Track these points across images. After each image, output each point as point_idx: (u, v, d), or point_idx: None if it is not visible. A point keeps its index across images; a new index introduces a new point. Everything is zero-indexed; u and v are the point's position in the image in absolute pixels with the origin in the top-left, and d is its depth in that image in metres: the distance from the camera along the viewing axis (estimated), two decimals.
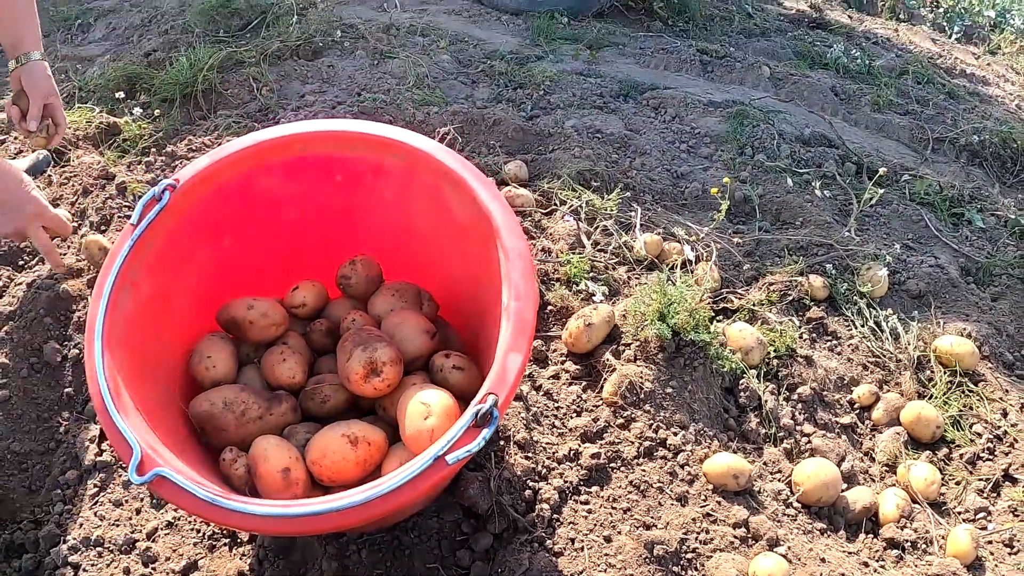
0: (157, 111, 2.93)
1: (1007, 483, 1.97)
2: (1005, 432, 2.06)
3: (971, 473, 1.97)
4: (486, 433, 1.05)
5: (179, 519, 1.64)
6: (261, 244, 1.72)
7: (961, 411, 2.08)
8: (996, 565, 1.79)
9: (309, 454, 1.41)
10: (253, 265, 1.72)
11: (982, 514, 1.89)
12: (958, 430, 2.04)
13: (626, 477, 1.61)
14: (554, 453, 1.63)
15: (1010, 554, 1.85)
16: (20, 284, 2.11)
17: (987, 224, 2.85)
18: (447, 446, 1.06)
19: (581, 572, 1.45)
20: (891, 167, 2.98)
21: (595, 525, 1.53)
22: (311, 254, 1.77)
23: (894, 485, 1.88)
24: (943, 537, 1.78)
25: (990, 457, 2.01)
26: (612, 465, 1.63)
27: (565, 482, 1.59)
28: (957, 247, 2.69)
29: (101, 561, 1.59)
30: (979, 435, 2.04)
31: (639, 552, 1.49)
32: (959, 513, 1.87)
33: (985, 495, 1.93)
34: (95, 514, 1.67)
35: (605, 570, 1.46)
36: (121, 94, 3.00)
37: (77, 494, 1.73)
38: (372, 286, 1.73)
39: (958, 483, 1.94)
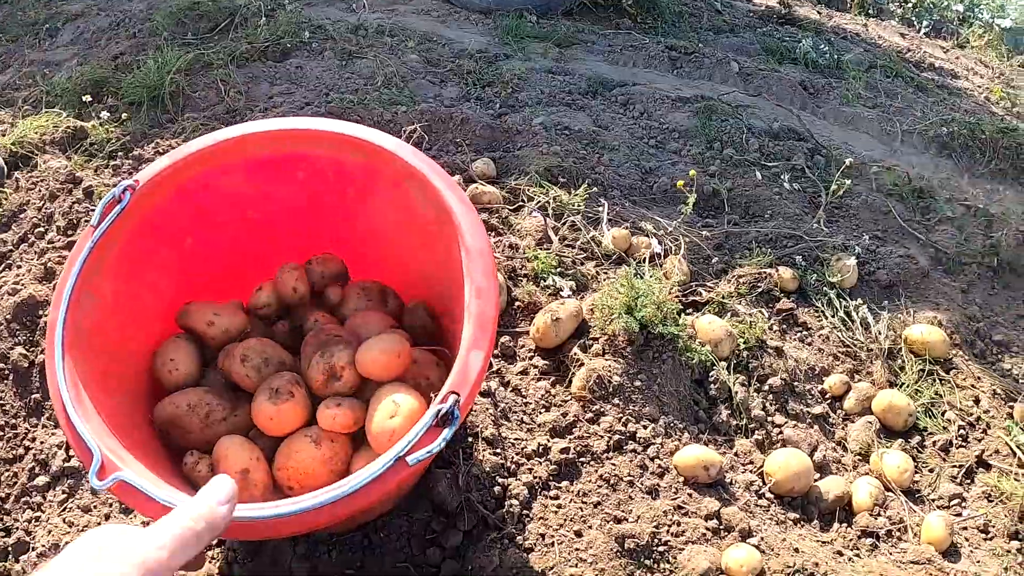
0: (124, 115, 2.90)
1: (981, 469, 1.97)
2: (978, 419, 2.07)
3: (944, 460, 1.97)
4: (447, 433, 1.03)
5: (149, 524, 1.59)
6: (224, 243, 1.69)
7: (933, 399, 2.08)
8: (972, 551, 1.79)
9: (276, 459, 1.39)
10: (217, 265, 1.69)
11: (956, 500, 1.89)
12: (930, 418, 2.04)
13: (596, 471, 1.59)
14: (523, 448, 1.61)
15: (985, 539, 1.85)
16: None
17: (956, 214, 2.86)
18: (408, 446, 1.03)
19: (552, 568, 1.44)
20: (860, 159, 2.98)
21: (565, 520, 1.52)
22: (276, 253, 1.74)
23: (867, 474, 1.87)
24: (917, 525, 1.77)
25: (963, 444, 2.01)
26: (582, 460, 1.61)
27: (534, 477, 1.57)
28: (926, 237, 2.69)
29: None
30: (951, 422, 2.04)
31: (610, 546, 1.47)
32: (933, 500, 1.86)
33: (959, 481, 1.93)
34: (64, 520, 1.63)
35: (576, 565, 1.45)
36: (88, 97, 2.97)
37: (46, 500, 1.69)
38: (335, 284, 1.71)
39: (931, 470, 1.93)
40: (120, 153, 2.72)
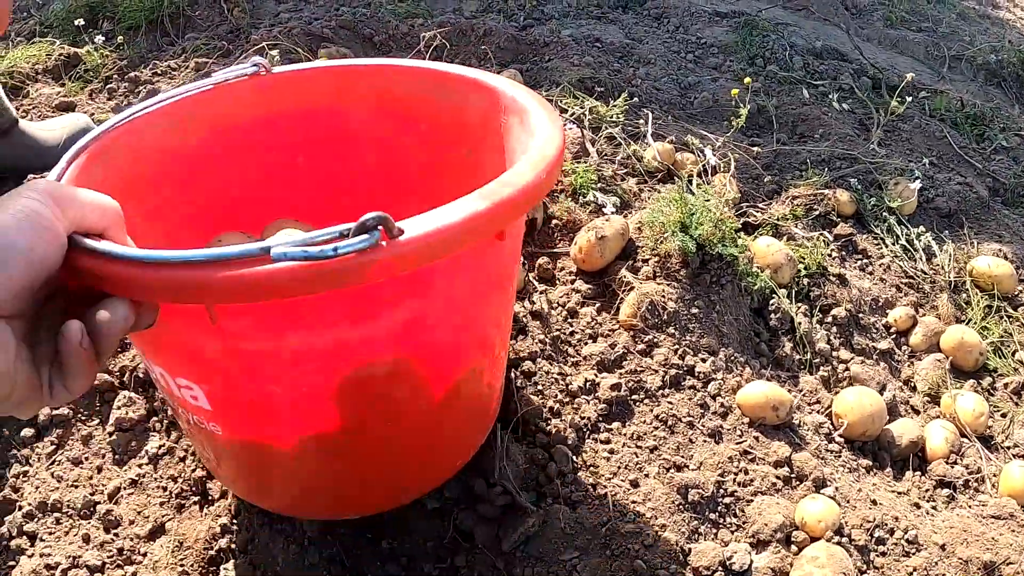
0: (121, 39, 2.71)
1: None
2: None
3: (1017, 405, 1.79)
4: (342, 245, 0.72)
5: (143, 476, 1.43)
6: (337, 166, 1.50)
7: (1002, 337, 1.89)
8: None
9: None
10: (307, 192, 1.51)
11: None
12: (1000, 358, 1.85)
13: (651, 411, 1.39)
14: (568, 385, 1.42)
15: None
16: None
17: (1011, 144, 2.67)
18: (290, 243, 0.75)
19: (605, 524, 1.24)
20: (908, 83, 2.78)
21: (620, 467, 1.32)
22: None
23: (939, 417, 1.69)
24: (995, 475, 1.60)
25: None
26: (634, 397, 1.41)
27: (582, 419, 1.37)
28: (983, 166, 2.50)
29: (59, 528, 1.39)
30: (1023, 363, 1.86)
31: (671, 498, 1.28)
32: (1007, 448, 1.68)
33: None
34: (52, 475, 1.46)
35: (634, 520, 1.25)
36: (81, 21, 2.77)
37: (34, 453, 1.50)
38: None
39: (1004, 415, 1.75)
40: (115, 77, 2.52)
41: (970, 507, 1.52)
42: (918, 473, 1.57)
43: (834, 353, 1.68)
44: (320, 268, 0.72)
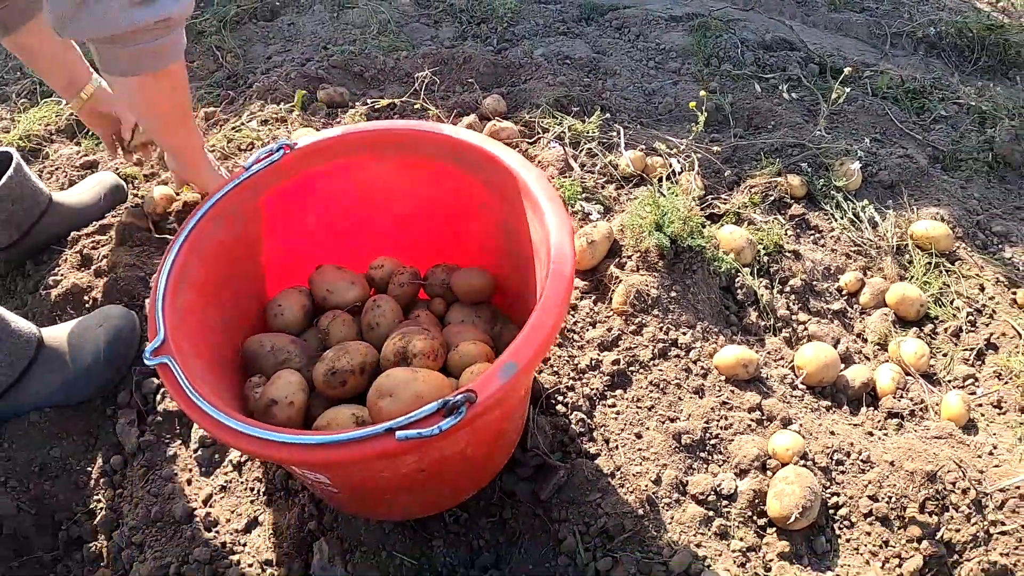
0: None
1: (990, 351, 2.11)
2: (984, 305, 2.20)
3: (956, 345, 2.11)
4: (444, 423, 1.10)
5: (231, 482, 1.69)
6: (366, 226, 1.82)
7: (941, 289, 2.21)
8: (988, 424, 1.94)
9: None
10: (349, 239, 1.83)
11: (970, 381, 2.03)
12: (940, 307, 2.17)
13: (646, 378, 1.72)
14: (576, 365, 1.74)
15: (999, 414, 1.99)
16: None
17: (949, 113, 2.95)
18: (405, 422, 1.11)
19: (619, 468, 1.57)
20: (853, 65, 3.07)
21: (625, 425, 1.65)
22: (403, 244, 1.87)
23: (887, 362, 2.01)
24: (937, 404, 1.92)
25: (972, 329, 2.15)
26: (631, 369, 1.74)
27: (591, 390, 1.70)
28: (923, 137, 2.80)
29: (164, 535, 1.63)
30: (960, 310, 2.17)
31: (668, 443, 1.61)
32: (949, 382, 2.00)
33: (971, 364, 2.07)
34: (148, 492, 1.69)
35: (640, 463, 1.59)
36: None
37: (126, 478, 1.75)
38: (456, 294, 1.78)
39: (945, 355, 2.07)
40: None
41: (916, 432, 1.84)
42: (871, 408, 1.89)
43: (793, 317, 2.01)
44: (429, 441, 1.11)
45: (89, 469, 1.78)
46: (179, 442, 1.78)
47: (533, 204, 1.47)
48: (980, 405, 2.01)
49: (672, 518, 1.53)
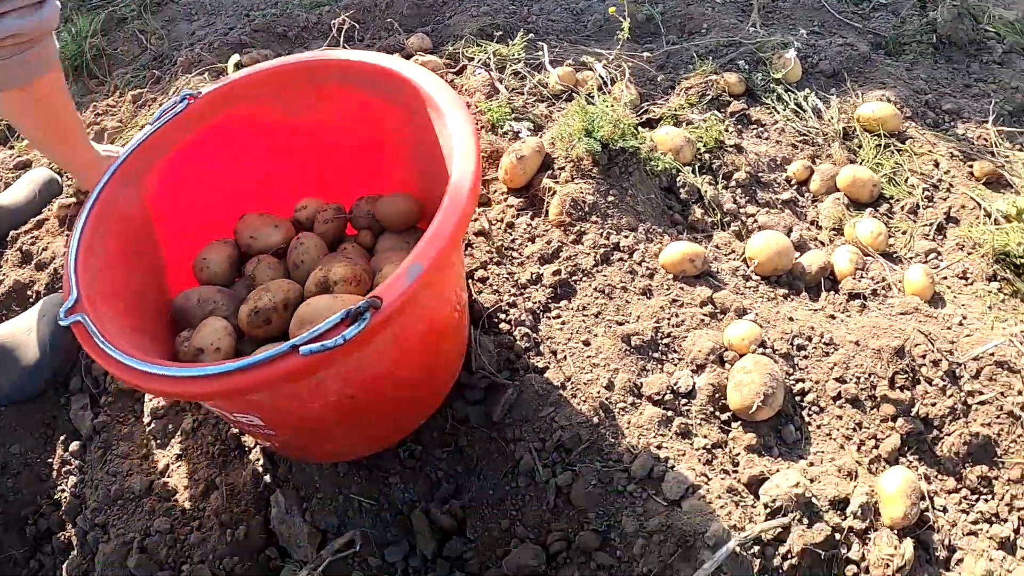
0: None
1: (950, 224, 2.05)
2: (940, 180, 2.13)
3: (915, 222, 2.04)
4: (348, 332, 1.04)
5: (186, 450, 1.65)
6: (286, 169, 1.74)
7: (894, 168, 2.14)
8: (955, 296, 1.87)
9: None
10: (275, 184, 1.76)
11: (932, 255, 1.96)
12: (895, 186, 2.10)
13: (590, 285, 1.64)
14: (517, 281, 1.66)
15: (966, 285, 1.93)
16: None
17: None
18: (308, 337, 1.05)
19: (569, 379, 1.50)
20: None
21: (572, 334, 1.57)
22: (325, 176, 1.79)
23: (844, 244, 1.94)
24: (900, 281, 1.85)
25: (930, 204, 2.08)
26: (574, 278, 1.66)
27: (534, 304, 1.62)
28: (863, 25, 2.73)
29: (125, 512, 1.60)
30: (915, 187, 2.10)
31: (618, 347, 1.53)
32: (911, 258, 1.93)
33: (931, 238, 2.01)
34: (107, 472, 1.67)
35: (590, 371, 1.51)
36: None
37: (86, 462, 1.72)
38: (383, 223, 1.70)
39: (904, 232, 2.00)
40: None
41: (880, 311, 1.77)
42: (831, 293, 1.82)
43: (741, 210, 1.93)
44: (335, 353, 1.05)
45: (50, 460, 1.74)
46: (133, 418, 1.73)
47: (438, 112, 1.39)
48: (945, 278, 1.94)
49: (629, 422, 1.45)
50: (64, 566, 1.58)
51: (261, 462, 1.58)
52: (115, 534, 1.56)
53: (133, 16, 3.19)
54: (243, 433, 1.63)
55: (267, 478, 1.55)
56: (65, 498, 1.68)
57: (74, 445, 1.73)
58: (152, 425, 1.70)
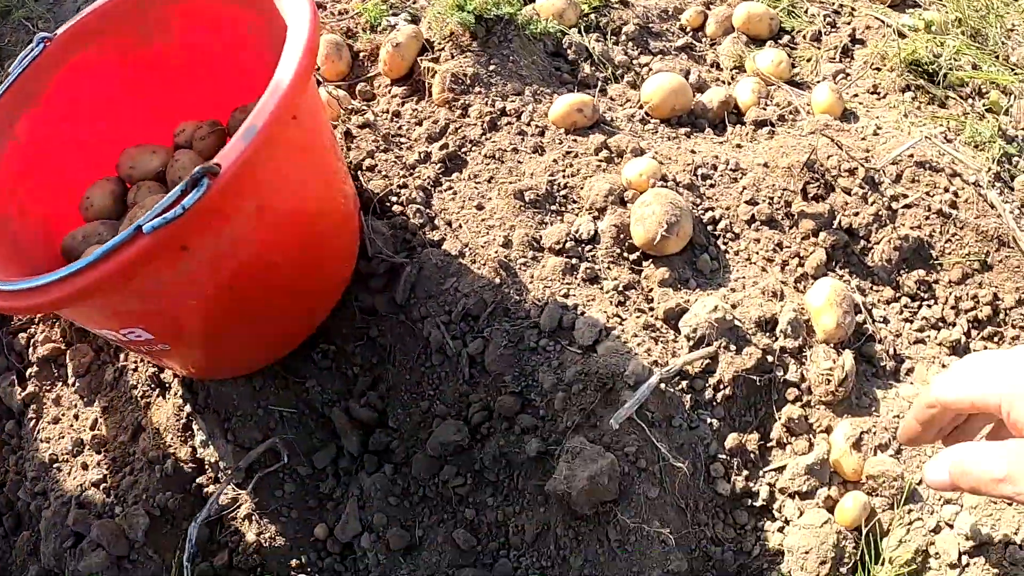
0: None
1: (857, 46, 1.99)
2: (841, 6, 2.07)
3: (819, 48, 1.98)
4: (186, 201, 0.97)
5: (111, 400, 1.61)
6: (161, 98, 1.66)
7: (792, 2, 2.07)
8: (868, 110, 1.82)
9: None
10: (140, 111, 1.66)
11: (840, 76, 1.91)
12: (794, 18, 2.04)
13: (480, 153, 1.57)
14: (405, 163, 1.60)
15: (878, 99, 1.88)
16: None
17: None
18: (151, 216, 0.98)
19: (466, 245, 1.43)
20: None
21: (465, 201, 1.51)
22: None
23: (745, 79, 1.88)
24: (808, 105, 1.79)
25: (833, 30, 2.02)
26: (463, 150, 1.59)
27: (425, 180, 1.56)
28: None
29: (61, 474, 1.56)
30: (816, 15, 2.04)
31: (512, 204, 1.47)
32: (818, 83, 1.87)
33: (838, 60, 1.95)
34: (41, 440, 1.62)
35: (487, 233, 1.45)
36: None
37: (23, 438, 1.67)
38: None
39: (809, 60, 1.94)
40: None
41: (790, 133, 1.72)
42: (737, 125, 1.76)
43: (634, 61, 1.86)
44: (182, 224, 0.98)
45: None
46: (60, 383, 1.68)
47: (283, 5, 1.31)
48: (856, 95, 1.89)
49: (533, 276, 1.39)
50: (16, 543, 1.54)
51: (180, 393, 1.53)
52: (54, 497, 1.52)
53: (18, 6, 3.09)
54: (161, 370, 1.58)
55: (188, 408, 1.50)
56: (11, 477, 1.63)
57: (9, 424, 1.68)
58: (76, 384, 1.65)
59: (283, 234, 1.24)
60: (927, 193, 1.61)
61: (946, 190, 1.62)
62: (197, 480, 1.46)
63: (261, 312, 1.32)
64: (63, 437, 1.60)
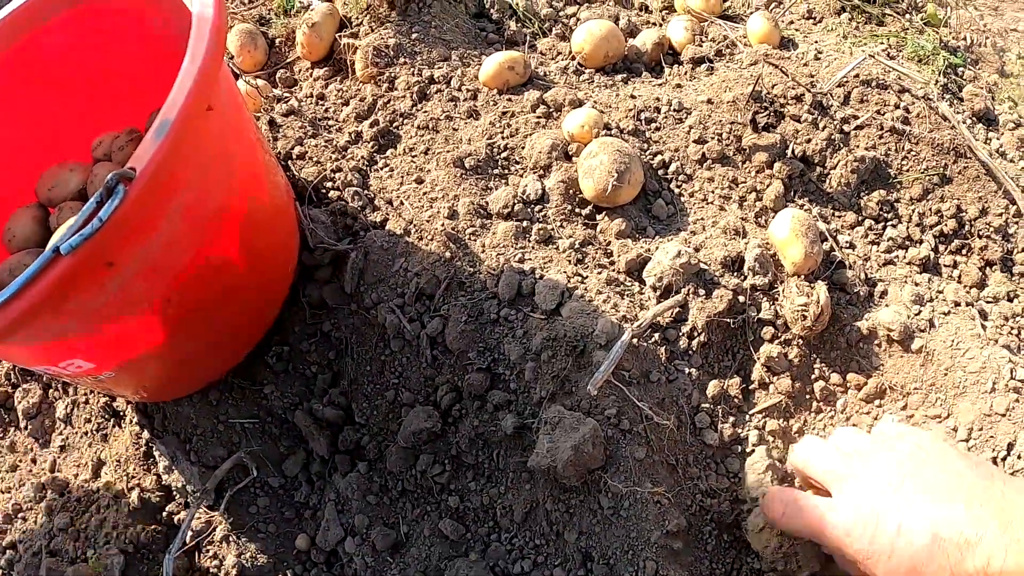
0: None
1: None
2: None
3: None
4: (102, 212, 0.88)
5: (67, 438, 1.53)
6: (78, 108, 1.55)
7: None
8: (805, 36, 1.77)
9: None
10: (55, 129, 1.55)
11: (774, 4, 1.86)
12: None
13: (412, 125, 1.50)
14: (336, 145, 1.52)
15: (815, 24, 1.83)
16: None
17: None
18: (68, 235, 0.88)
19: (411, 222, 1.36)
20: None
21: (403, 177, 1.44)
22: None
23: (676, 18, 1.82)
24: (744, 37, 1.74)
25: None
26: (395, 125, 1.52)
27: (358, 161, 1.48)
28: None
29: (27, 524, 1.48)
30: None
31: (452, 173, 1.39)
32: (751, 13, 1.81)
33: None
34: (1, 491, 1.54)
35: (430, 206, 1.38)
36: None
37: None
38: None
39: None
40: None
41: (729, 67, 1.66)
42: (675, 66, 1.70)
43: (560, 13, 1.79)
44: (102, 238, 0.88)
45: None
46: (12, 428, 1.60)
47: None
48: (792, 23, 1.84)
49: (484, 245, 1.32)
50: None
51: (135, 420, 1.45)
52: (23, 549, 1.43)
53: None
54: (113, 399, 1.50)
55: (145, 434, 1.43)
56: None
57: None
58: (29, 427, 1.56)
59: (216, 235, 1.16)
60: (878, 112, 1.57)
61: (896, 107, 1.57)
62: (167, 509, 1.39)
63: (207, 321, 1.24)
64: (23, 484, 1.51)
